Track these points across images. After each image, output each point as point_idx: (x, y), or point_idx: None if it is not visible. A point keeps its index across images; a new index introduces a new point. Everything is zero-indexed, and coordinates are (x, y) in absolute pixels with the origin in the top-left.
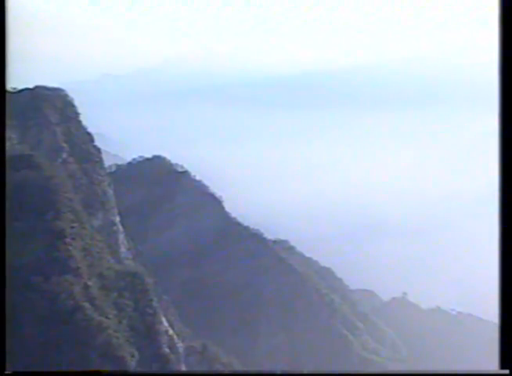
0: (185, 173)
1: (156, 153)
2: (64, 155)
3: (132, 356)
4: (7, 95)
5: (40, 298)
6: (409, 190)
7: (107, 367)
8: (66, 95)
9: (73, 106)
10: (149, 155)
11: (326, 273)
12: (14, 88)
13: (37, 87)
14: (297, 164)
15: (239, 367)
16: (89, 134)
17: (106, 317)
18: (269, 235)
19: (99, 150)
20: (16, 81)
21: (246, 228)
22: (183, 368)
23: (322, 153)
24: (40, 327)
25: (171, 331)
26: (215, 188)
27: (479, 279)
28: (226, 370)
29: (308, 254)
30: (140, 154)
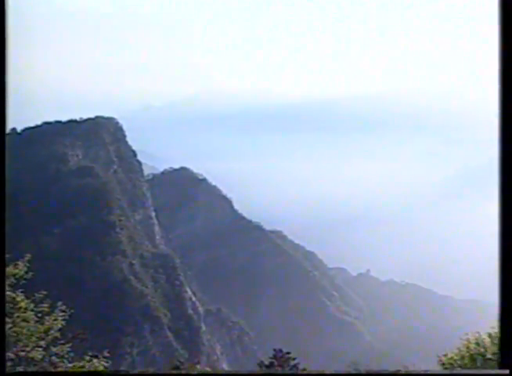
0: (203, 180)
1: (183, 165)
2: (115, 167)
3: (165, 315)
4: (75, 124)
5: (99, 272)
6: (374, 193)
7: (147, 324)
8: (117, 123)
9: (122, 130)
10: (177, 166)
11: (310, 255)
12: (81, 118)
13: (97, 117)
14: (290, 173)
15: (245, 326)
16: (133, 151)
17: (146, 287)
18: (268, 227)
19: (140, 163)
20: (81, 113)
21: (250, 221)
22: (203, 325)
23: (310, 165)
24: (100, 293)
25: (193, 298)
26: (227, 191)
27: (423, 258)
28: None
29: (296, 241)
30: (170, 166)
